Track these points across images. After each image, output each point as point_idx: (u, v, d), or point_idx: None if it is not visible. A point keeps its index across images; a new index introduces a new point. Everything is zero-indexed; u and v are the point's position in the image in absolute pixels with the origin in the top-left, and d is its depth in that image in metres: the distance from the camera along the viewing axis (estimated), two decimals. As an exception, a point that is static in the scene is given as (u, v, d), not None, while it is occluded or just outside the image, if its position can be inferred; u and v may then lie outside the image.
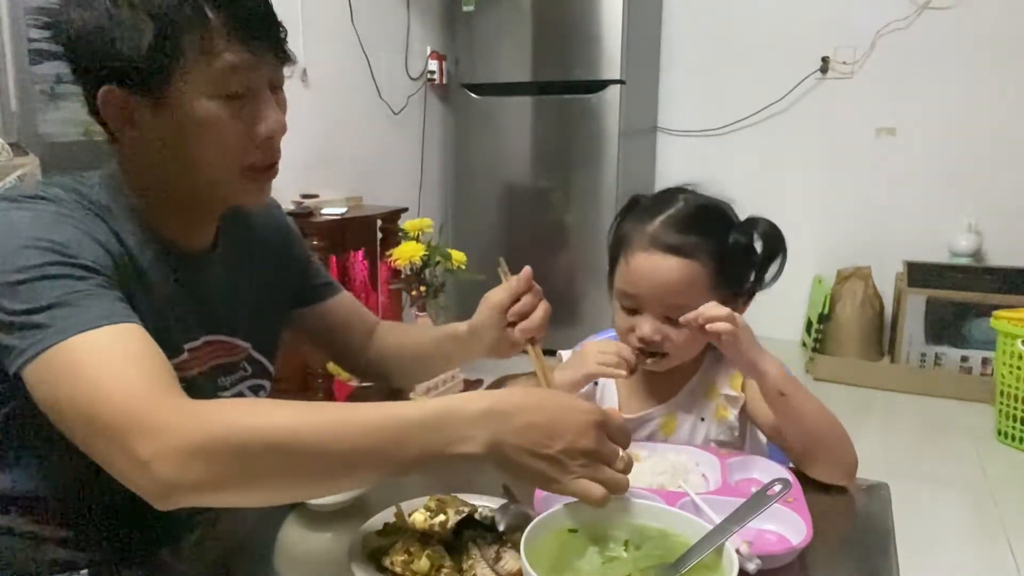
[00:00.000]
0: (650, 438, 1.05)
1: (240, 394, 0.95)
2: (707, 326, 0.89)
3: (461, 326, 1.01)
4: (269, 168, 0.83)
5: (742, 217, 1.05)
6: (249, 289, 0.98)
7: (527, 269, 0.95)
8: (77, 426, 0.65)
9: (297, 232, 1.10)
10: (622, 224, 1.06)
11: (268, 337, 1.01)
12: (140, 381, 0.64)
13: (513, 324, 0.94)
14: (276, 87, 0.82)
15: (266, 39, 0.78)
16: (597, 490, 0.65)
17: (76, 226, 0.75)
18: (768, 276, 1.02)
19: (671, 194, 1.05)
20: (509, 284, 0.95)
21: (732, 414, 1.04)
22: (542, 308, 0.95)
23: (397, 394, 1.20)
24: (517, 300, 0.94)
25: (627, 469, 0.69)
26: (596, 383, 1.12)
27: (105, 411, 0.63)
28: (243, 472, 0.62)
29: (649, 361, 1.02)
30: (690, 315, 0.91)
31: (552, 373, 0.95)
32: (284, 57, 0.82)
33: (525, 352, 0.95)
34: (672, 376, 1.07)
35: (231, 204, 0.89)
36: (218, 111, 0.76)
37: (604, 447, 0.67)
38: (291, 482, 0.65)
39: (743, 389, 1.04)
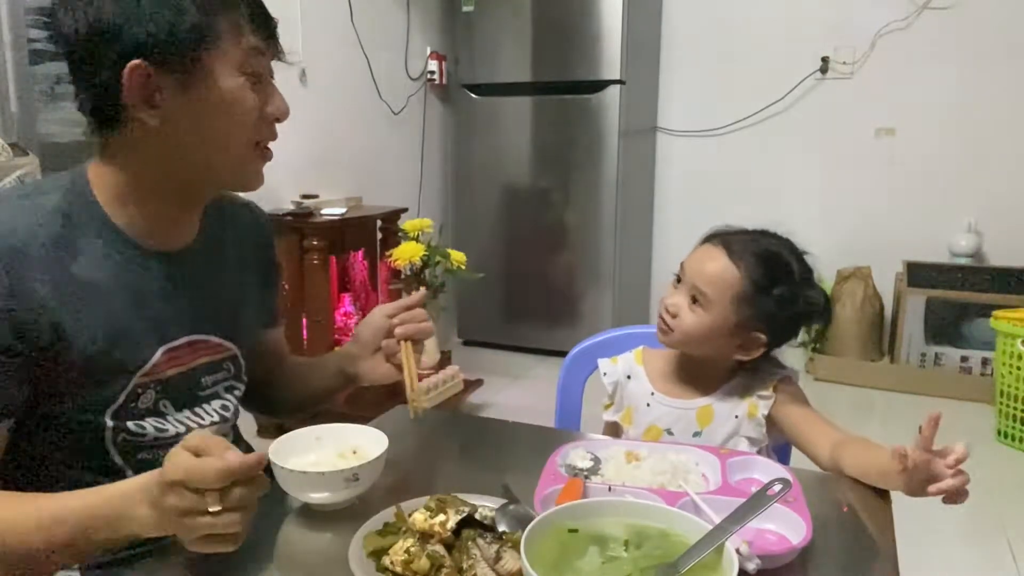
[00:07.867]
0: (687, 426, 1.10)
1: (216, 395, 0.96)
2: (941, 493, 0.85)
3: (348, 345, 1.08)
4: (267, 148, 0.90)
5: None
6: (231, 287, 0.99)
7: (422, 290, 1.06)
8: None
9: (276, 252, 1.13)
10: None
11: (250, 338, 1.03)
12: None
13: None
14: (272, 77, 0.89)
15: (272, 30, 0.87)
16: (202, 544, 0.68)
17: None
18: (785, 337, 1.11)
19: (760, 230, 1.12)
20: (403, 299, 1.04)
21: (761, 413, 1.09)
22: (424, 317, 1.03)
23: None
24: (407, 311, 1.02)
25: (234, 507, 0.66)
26: (629, 375, 1.17)
27: None
28: None
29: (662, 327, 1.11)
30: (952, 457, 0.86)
31: (417, 379, 1.00)
32: (280, 51, 0.89)
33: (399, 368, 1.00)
34: (709, 372, 1.13)
35: (230, 187, 0.93)
36: (241, 87, 0.83)
37: (181, 503, 0.66)
38: None
39: (775, 391, 1.10)
